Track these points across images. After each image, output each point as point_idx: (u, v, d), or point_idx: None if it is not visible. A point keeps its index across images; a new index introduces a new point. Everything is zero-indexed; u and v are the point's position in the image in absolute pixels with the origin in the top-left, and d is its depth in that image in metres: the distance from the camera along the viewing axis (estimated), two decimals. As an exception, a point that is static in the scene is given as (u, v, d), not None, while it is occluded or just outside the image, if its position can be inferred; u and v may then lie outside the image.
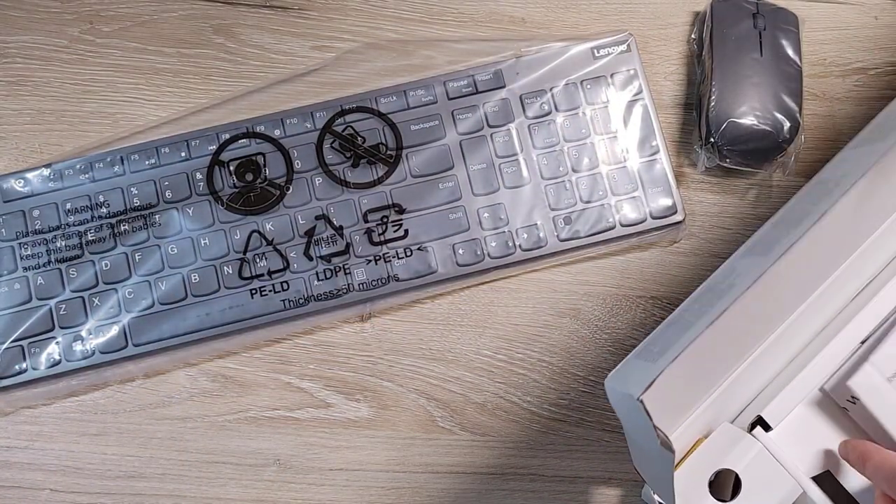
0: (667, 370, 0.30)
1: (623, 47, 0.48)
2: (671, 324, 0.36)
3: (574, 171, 0.47)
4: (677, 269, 0.48)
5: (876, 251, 0.38)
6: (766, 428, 0.37)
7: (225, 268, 0.45)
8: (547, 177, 0.46)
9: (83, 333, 0.44)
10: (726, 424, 0.37)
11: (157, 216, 0.45)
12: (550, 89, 0.47)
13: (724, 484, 0.36)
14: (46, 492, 0.44)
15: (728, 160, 0.47)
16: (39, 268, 0.44)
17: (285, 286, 0.45)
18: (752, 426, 0.37)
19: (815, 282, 0.36)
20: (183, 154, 0.46)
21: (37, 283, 0.44)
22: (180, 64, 0.49)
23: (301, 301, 0.44)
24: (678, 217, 0.47)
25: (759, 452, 0.36)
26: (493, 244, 0.46)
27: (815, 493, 0.36)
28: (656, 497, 0.41)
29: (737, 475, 0.35)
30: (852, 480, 0.36)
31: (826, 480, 0.36)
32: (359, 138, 0.46)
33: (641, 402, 0.29)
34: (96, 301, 0.44)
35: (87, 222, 0.45)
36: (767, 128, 0.46)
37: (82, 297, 0.44)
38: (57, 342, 0.43)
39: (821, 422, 0.37)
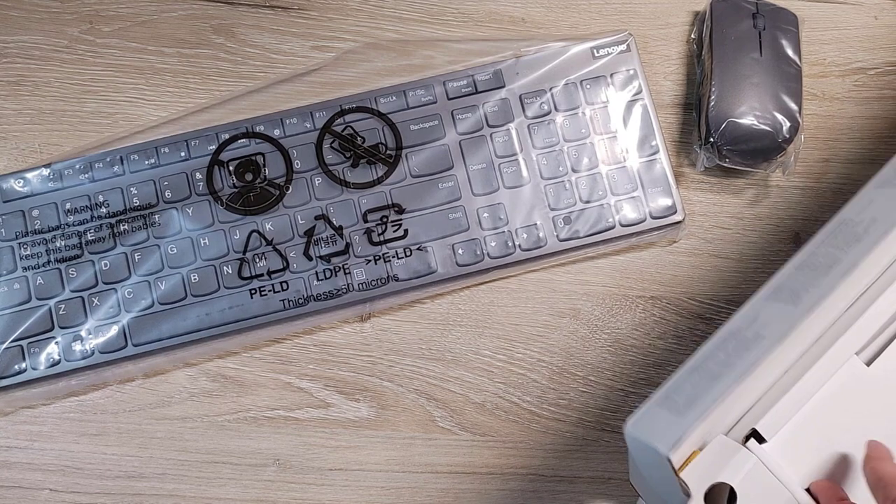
0: (696, 427, 0.30)
1: (623, 47, 0.48)
2: (694, 371, 0.36)
3: (574, 170, 0.47)
4: (677, 269, 0.48)
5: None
6: (761, 440, 0.37)
7: (224, 268, 0.45)
8: (546, 177, 0.46)
9: (83, 333, 0.44)
10: (721, 437, 0.37)
11: (156, 216, 0.45)
12: (550, 89, 0.47)
13: (719, 497, 0.36)
14: (46, 492, 0.44)
15: (728, 160, 0.47)
16: (39, 268, 0.44)
17: (285, 286, 0.45)
18: (747, 438, 0.37)
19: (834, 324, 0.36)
20: (182, 154, 0.46)
21: (36, 283, 0.44)
22: (180, 64, 0.49)
23: (301, 301, 0.44)
24: (678, 217, 0.47)
25: (755, 465, 0.36)
26: (493, 244, 0.46)
27: None
28: None
29: (732, 488, 0.35)
30: (847, 492, 0.36)
31: None
32: (358, 138, 0.46)
33: (669, 460, 0.29)
34: (96, 301, 0.44)
35: (87, 222, 0.45)
36: (767, 128, 0.46)
37: (82, 297, 0.44)
38: (56, 342, 0.43)
39: (814, 433, 0.37)
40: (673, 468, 0.29)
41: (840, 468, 0.37)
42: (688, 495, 0.30)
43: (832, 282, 0.32)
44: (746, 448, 0.36)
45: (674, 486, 0.30)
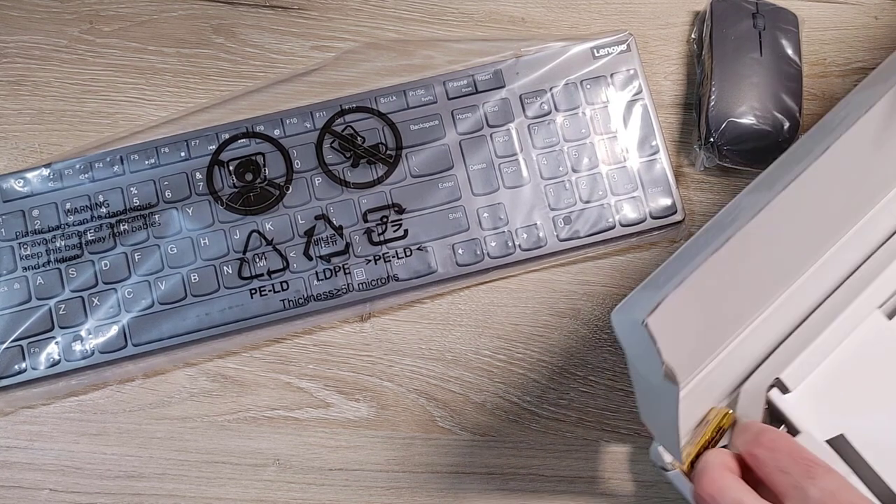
0: (672, 294, 0.29)
1: (623, 47, 0.48)
2: (676, 258, 0.36)
3: (574, 170, 0.47)
4: (677, 269, 0.48)
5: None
6: (784, 391, 0.37)
7: (224, 268, 0.45)
8: (547, 177, 0.46)
9: (83, 333, 0.44)
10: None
11: (156, 216, 0.45)
12: (550, 89, 0.47)
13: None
14: (46, 492, 0.44)
15: (728, 160, 0.47)
16: (39, 268, 0.44)
17: (285, 286, 0.45)
18: (770, 388, 0.37)
19: (824, 225, 0.36)
20: (182, 154, 0.46)
21: (36, 283, 0.44)
22: (180, 64, 0.49)
23: (301, 301, 0.44)
24: (678, 217, 0.47)
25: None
26: (493, 244, 0.46)
27: (831, 456, 0.36)
28: (663, 452, 0.41)
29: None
30: (866, 444, 0.37)
31: (841, 444, 0.37)
32: (358, 138, 0.46)
33: (646, 325, 0.28)
34: (96, 301, 0.44)
35: (87, 222, 0.45)
36: (767, 128, 0.46)
37: (82, 297, 0.44)
38: (56, 342, 0.43)
39: (837, 385, 0.38)
40: (651, 336, 0.28)
41: (860, 419, 0.37)
42: (672, 379, 0.29)
43: (804, 166, 0.32)
44: (769, 397, 0.37)
45: (656, 364, 0.29)
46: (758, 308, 0.37)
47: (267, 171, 0.46)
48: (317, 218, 0.45)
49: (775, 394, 0.37)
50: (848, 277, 0.40)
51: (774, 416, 0.39)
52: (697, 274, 0.30)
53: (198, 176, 0.45)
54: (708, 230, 0.36)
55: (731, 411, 0.38)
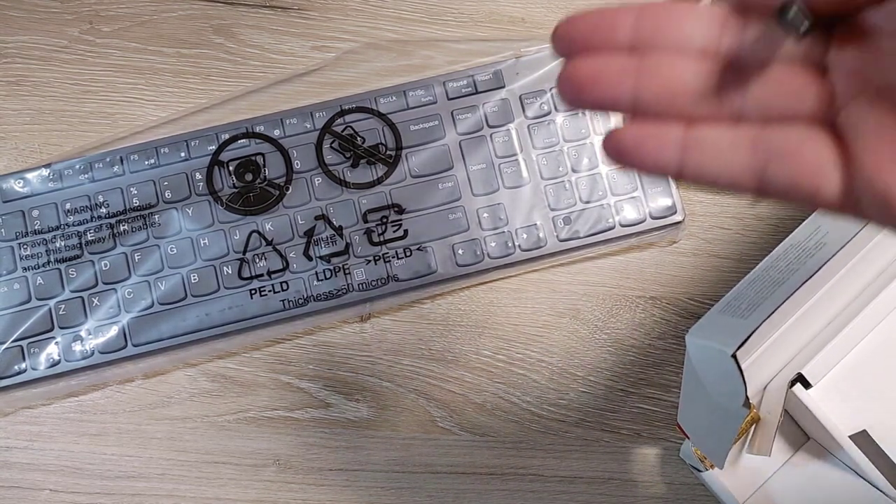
0: (761, 327, 0.30)
1: (623, 47, 0.48)
2: (754, 281, 0.36)
3: (574, 171, 0.47)
4: (677, 269, 0.48)
5: None
6: (807, 385, 0.37)
7: (224, 268, 0.45)
8: (547, 177, 0.46)
9: (83, 334, 0.44)
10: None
11: (156, 216, 0.45)
12: (550, 89, 0.47)
13: None
14: (46, 492, 0.44)
15: (728, 160, 0.47)
16: (39, 268, 0.44)
17: (285, 286, 0.45)
18: (793, 383, 0.38)
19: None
20: (182, 154, 0.46)
21: (36, 284, 0.44)
22: (180, 64, 0.49)
23: (301, 301, 0.44)
24: (678, 217, 0.47)
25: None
26: (493, 244, 0.46)
27: (854, 451, 0.36)
28: (698, 453, 0.42)
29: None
30: (889, 440, 0.37)
31: (863, 439, 0.37)
32: (358, 138, 0.46)
33: (735, 358, 0.30)
34: (96, 301, 0.44)
35: (87, 222, 0.45)
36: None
37: (82, 298, 0.44)
38: (56, 342, 0.43)
39: (860, 380, 0.38)
40: (739, 368, 0.30)
41: (883, 415, 0.37)
42: (747, 406, 0.30)
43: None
44: (792, 392, 0.37)
45: (737, 390, 0.31)
46: (789, 314, 0.37)
47: (267, 172, 0.46)
48: (317, 218, 0.45)
49: (798, 388, 0.37)
50: (873, 274, 0.40)
51: (793, 413, 0.40)
52: (788, 304, 0.31)
53: (198, 176, 0.45)
54: (787, 252, 0.37)
55: (755, 410, 0.38)
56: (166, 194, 0.45)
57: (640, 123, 0.22)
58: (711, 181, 0.22)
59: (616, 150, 0.22)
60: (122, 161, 0.45)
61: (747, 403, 0.31)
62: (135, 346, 0.44)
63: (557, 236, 0.46)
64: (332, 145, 0.46)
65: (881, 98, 0.20)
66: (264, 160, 0.46)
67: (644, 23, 0.22)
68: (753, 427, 0.40)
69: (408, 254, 0.45)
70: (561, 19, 0.23)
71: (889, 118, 0.20)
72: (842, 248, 0.33)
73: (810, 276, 0.32)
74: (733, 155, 0.21)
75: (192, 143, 0.46)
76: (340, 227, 0.45)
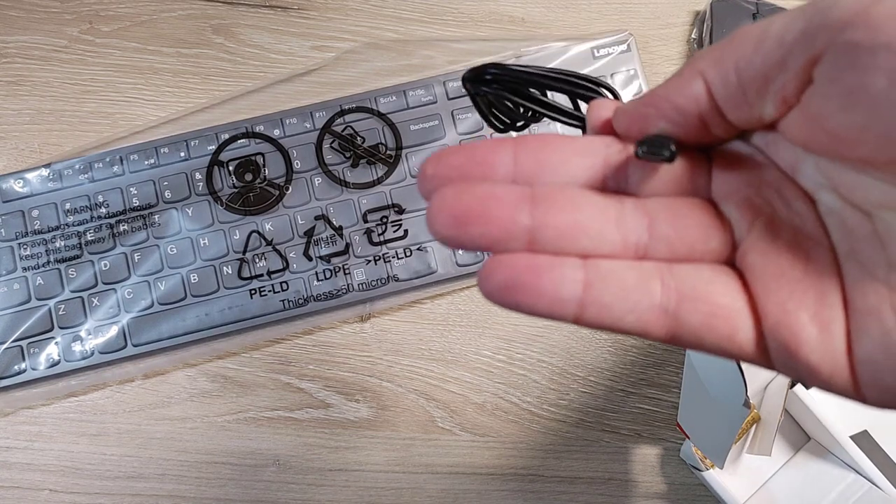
0: None
1: (623, 47, 0.48)
2: None
3: (574, 171, 0.47)
4: (677, 270, 0.48)
5: None
6: (807, 385, 0.38)
7: (224, 268, 0.45)
8: (547, 177, 0.46)
9: (82, 334, 0.43)
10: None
11: (156, 216, 0.45)
12: (550, 89, 0.47)
13: None
14: (46, 492, 0.44)
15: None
16: (39, 268, 0.44)
17: (285, 286, 0.44)
18: (793, 383, 0.38)
19: None
20: (182, 154, 0.46)
21: (36, 284, 0.44)
22: (179, 64, 0.49)
23: (300, 301, 0.44)
24: (678, 217, 0.47)
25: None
26: (493, 244, 0.46)
27: (854, 451, 0.36)
28: (698, 453, 0.42)
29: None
30: (889, 440, 0.37)
31: (864, 439, 0.37)
32: (358, 138, 0.46)
33: (737, 362, 0.30)
34: (95, 301, 0.44)
35: (87, 222, 0.45)
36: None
37: (81, 298, 0.44)
38: (56, 342, 0.43)
39: None
40: (738, 366, 0.30)
41: (883, 415, 0.37)
42: (747, 405, 0.30)
43: None
44: (793, 392, 0.37)
45: (738, 390, 0.31)
46: None
47: (267, 172, 0.46)
48: (317, 218, 0.45)
49: (798, 388, 0.37)
50: None
51: (793, 413, 0.40)
52: None
53: (197, 176, 0.45)
54: None
55: (755, 410, 0.38)
56: (166, 194, 0.45)
57: (529, 253, 0.18)
58: (614, 322, 0.18)
59: (504, 284, 0.18)
60: (121, 161, 0.45)
61: (747, 403, 0.31)
62: (135, 346, 0.44)
63: (557, 236, 0.46)
64: (332, 145, 0.46)
65: (772, 232, 0.18)
66: (264, 160, 0.46)
67: (524, 157, 0.19)
68: (753, 427, 0.40)
69: (408, 254, 0.45)
70: (425, 159, 0.19)
71: (785, 256, 0.18)
72: None
73: None
74: (641, 294, 0.18)
75: (192, 143, 0.46)
76: (340, 227, 0.45)
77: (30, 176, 0.45)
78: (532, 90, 0.34)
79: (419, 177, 0.19)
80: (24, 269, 0.44)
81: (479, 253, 0.45)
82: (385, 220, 0.45)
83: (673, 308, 0.18)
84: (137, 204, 0.45)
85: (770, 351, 0.18)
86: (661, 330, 0.18)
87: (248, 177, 0.46)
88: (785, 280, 0.18)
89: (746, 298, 0.18)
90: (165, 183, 0.45)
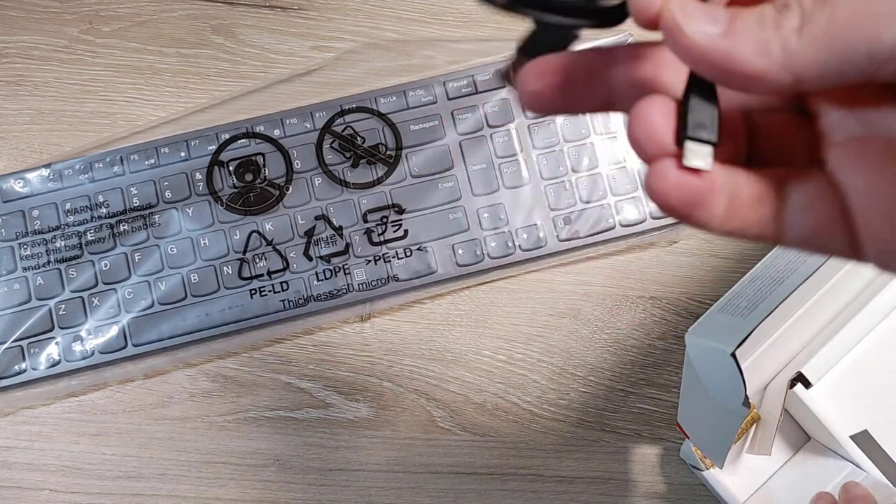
0: (760, 326, 0.30)
1: (623, 47, 0.48)
2: (754, 280, 0.36)
3: (574, 171, 0.47)
4: (677, 269, 0.48)
5: None
6: (807, 385, 0.37)
7: (224, 268, 0.45)
8: (547, 177, 0.46)
9: (83, 334, 0.44)
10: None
11: (156, 216, 0.45)
12: (550, 89, 0.47)
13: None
14: (46, 492, 0.44)
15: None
16: (39, 268, 0.44)
17: (285, 286, 0.45)
18: (793, 383, 0.38)
19: None
20: (182, 154, 0.46)
21: (36, 284, 0.44)
22: (180, 64, 0.49)
23: (301, 301, 0.44)
24: (678, 217, 0.46)
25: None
26: (493, 244, 0.46)
27: (854, 451, 0.36)
28: (698, 453, 0.42)
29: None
30: (889, 439, 0.37)
31: (864, 439, 0.37)
32: (358, 138, 0.46)
33: (734, 356, 0.30)
34: (96, 301, 0.44)
35: (87, 222, 0.45)
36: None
37: (82, 298, 0.44)
38: (56, 342, 0.43)
39: (860, 378, 0.38)
40: (738, 366, 0.30)
41: (884, 414, 0.37)
42: (747, 405, 0.30)
43: None
44: (793, 392, 0.37)
45: (737, 389, 0.31)
46: (789, 313, 0.37)
47: (267, 172, 0.46)
48: (317, 218, 0.45)
49: (798, 388, 0.37)
50: (873, 273, 0.40)
51: (793, 413, 0.40)
52: (788, 303, 0.31)
53: (198, 176, 0.45)
54: (786, 251, 0.37)
55: (755, 410, 0.38)
56: (166, 194, 0.45)
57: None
58: (742, 233, 0.19)
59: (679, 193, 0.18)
60: (122, 161, 0.45)
61: (747, 403, 0.31)
62: (135, 346, 0.44)
63: (557, 236, 0.46)
64: (333, 145, 0.46)
65: (868, 144, 0.18)
66: (264, 160, 0.46)
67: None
68: (753, 427, 0.40)
69: (408, 254, 0.45)
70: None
71: (878, 168, 0.18)
72: None
73: (810, 275, 0.32)
74: (760, 205, 0.19)
75: (192, 143, 0.46)
76: (340, 227, 0.45)
77: (30, 176, 0.45)
78: None
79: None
80: (25, 269, 0.44)
81: (478, 252, 0.45)
82: (385, 220, 0.45)
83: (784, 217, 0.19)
84: (138, 204, 0.45)
85: (867, 253, 0.19)
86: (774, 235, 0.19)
87: (249, 177, 0.46)
88: (878, 190, 0.18)
89: (837, 206, 0.19)
90: (166, 183, 0.45)
